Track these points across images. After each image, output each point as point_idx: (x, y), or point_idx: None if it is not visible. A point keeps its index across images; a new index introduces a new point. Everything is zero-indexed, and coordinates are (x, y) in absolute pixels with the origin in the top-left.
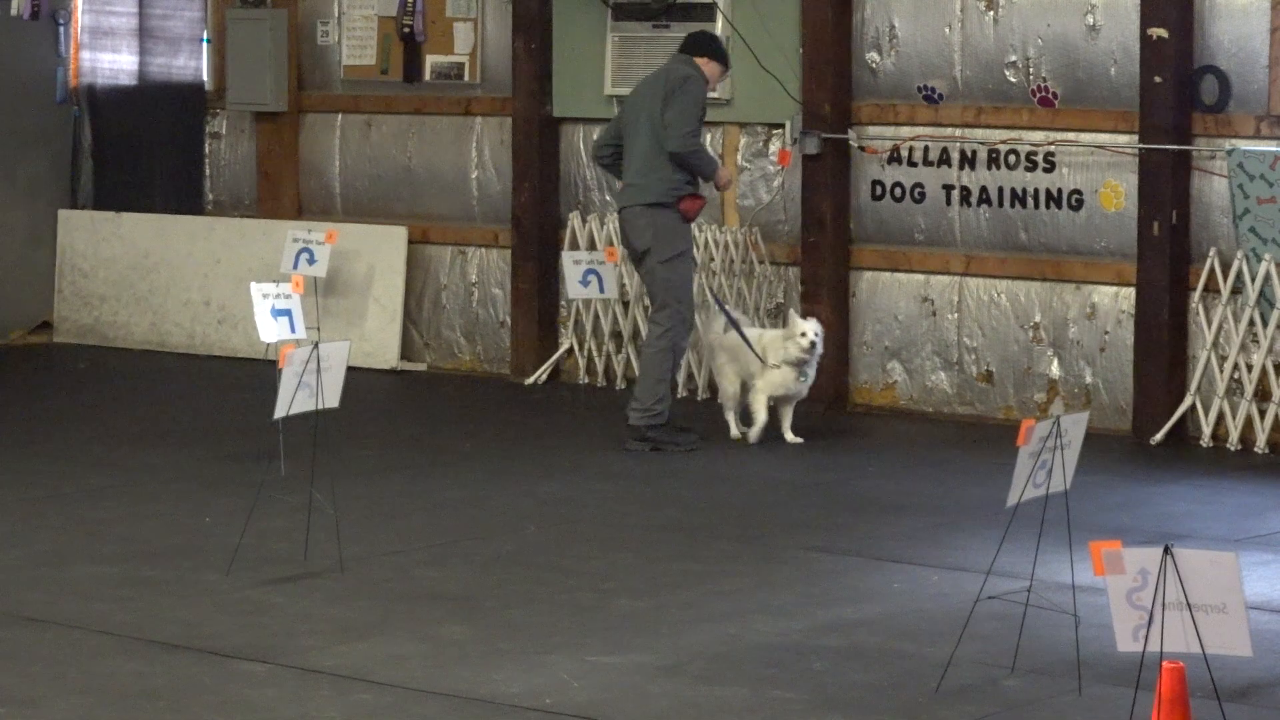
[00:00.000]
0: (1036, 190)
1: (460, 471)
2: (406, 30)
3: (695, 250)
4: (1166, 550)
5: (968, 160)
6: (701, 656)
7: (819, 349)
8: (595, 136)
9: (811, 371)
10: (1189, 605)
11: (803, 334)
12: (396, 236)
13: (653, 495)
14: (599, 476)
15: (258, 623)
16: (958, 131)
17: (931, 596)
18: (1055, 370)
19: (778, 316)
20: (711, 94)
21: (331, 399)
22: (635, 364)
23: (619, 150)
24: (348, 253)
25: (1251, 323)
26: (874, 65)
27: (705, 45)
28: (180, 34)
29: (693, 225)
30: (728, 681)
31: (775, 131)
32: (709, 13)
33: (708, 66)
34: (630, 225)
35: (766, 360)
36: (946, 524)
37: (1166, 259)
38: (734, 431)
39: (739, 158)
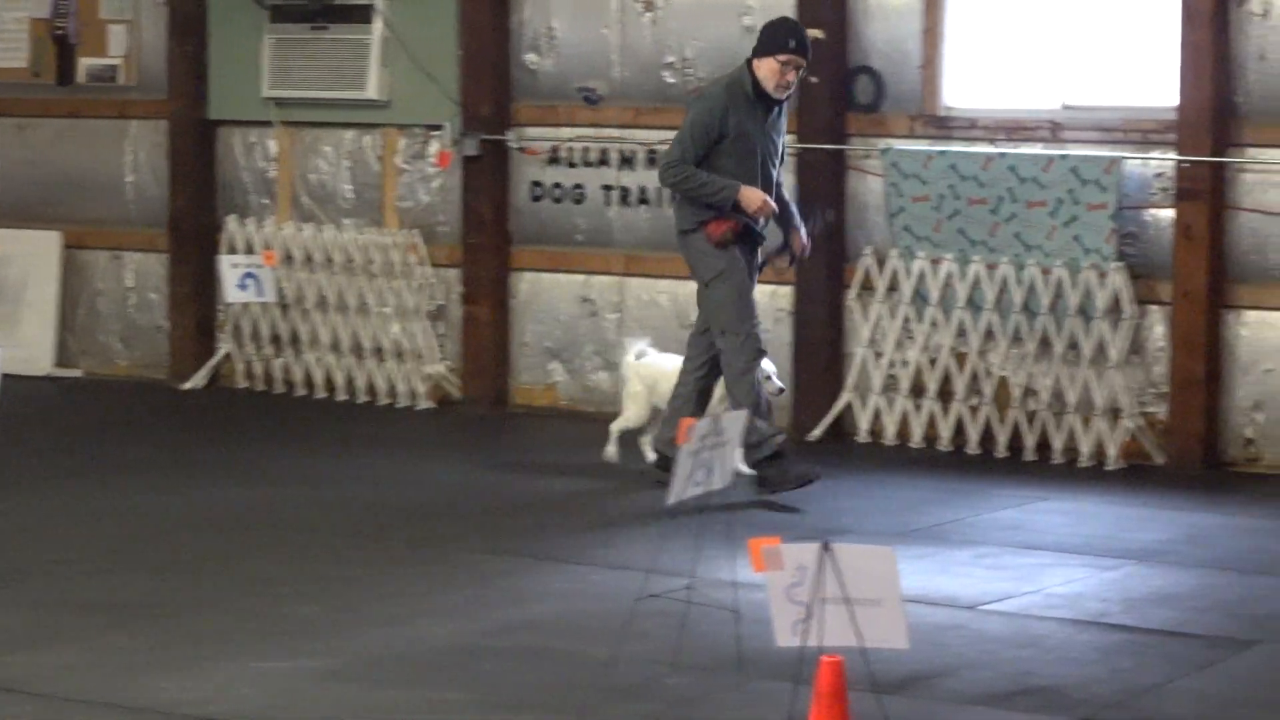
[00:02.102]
0: None
1: (122, 479)
2: (59, 32)
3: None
4: (825, 546)
5: (627, 161)
6: (370, 660)
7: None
8: None
9: None
10: (847, 600)
11: (768, 378)
12: (51, 241)
13: (323, 500)
14: (268, 482)
15: None
16: (617, 132)
17: (595, 596)
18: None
19: (439, 319)
20: (710, 107)
21: None
22: (296, 368)
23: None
24: (1, 258)
25: (906, 319)
26: (533, 66)
27: (758, 42)
28: None
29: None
30: (396, 684)
31: (434, 133)
32: (366, 14)
33: (761, 67)
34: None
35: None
36: (609, 523)
37: (823, 257)
38: (651, 456)
39: (398, 160)
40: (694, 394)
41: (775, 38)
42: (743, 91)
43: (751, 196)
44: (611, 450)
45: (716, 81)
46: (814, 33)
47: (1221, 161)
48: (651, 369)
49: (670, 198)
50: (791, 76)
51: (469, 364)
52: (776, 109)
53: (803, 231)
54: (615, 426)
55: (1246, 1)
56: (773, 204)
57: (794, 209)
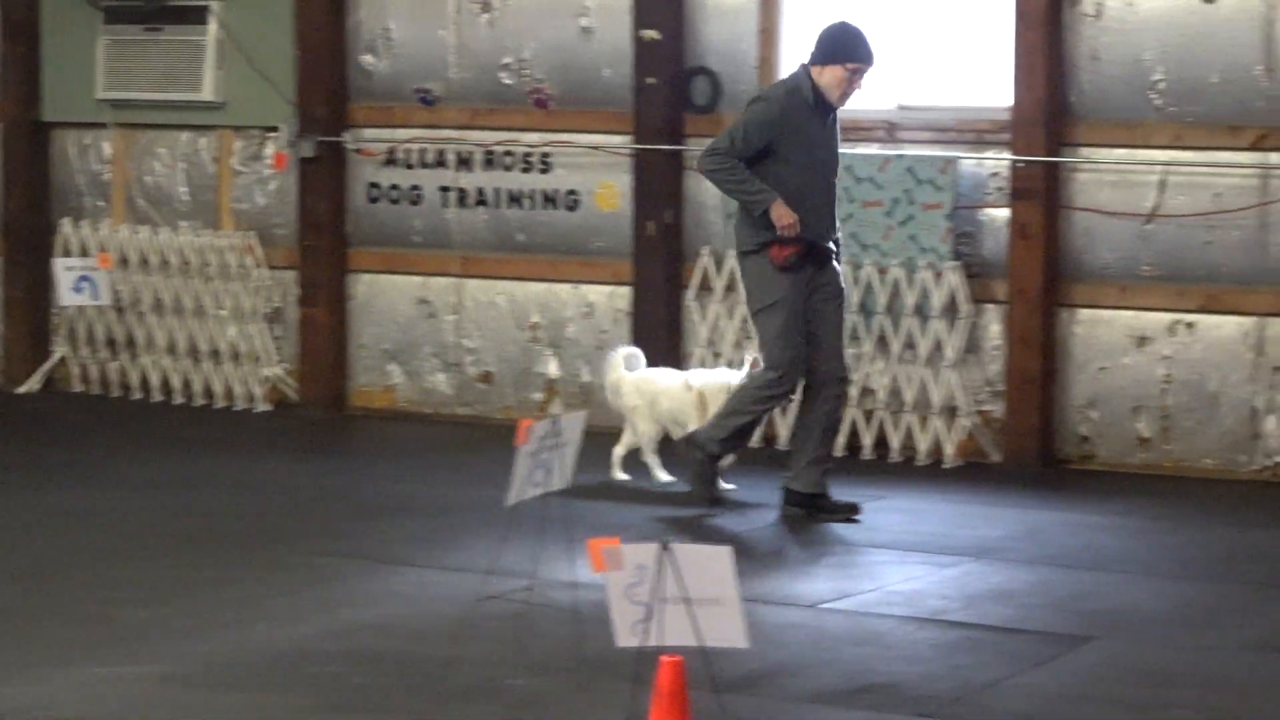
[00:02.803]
0: (533, 191)
1: None
2: None
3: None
4: (664, 546)
5: (464, 162)
6: (209, 664)
7: None
8: None
9: None
10: (687, 599)
11: None
12: None
13: (161, 504)
14: (106, 486)
15: None
16: (454, 133)
17: (435, 598)
18: (554, 370)
19: (276, 321)
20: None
21: None
22: (133, 371)
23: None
24: None
25: (744, 320)
26: (369, 68)
27: (818, 49)
28: None
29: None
30: (235, 689)
31: (270, 135)
32: (201, 15)
33: (824, 75)
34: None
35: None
36: (449, 525)
37: (662, 257)
38: (664, 477)
39: (234, 162)
40: (818, 428)
41: (844, 45)
42: (803, 99)
43: (782, 213)
44: (619, 472)
45: (776, 86)
46: (649, 34)
47: (1056, 161)
48: (650, 384)
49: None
50: (858, 85)
51: (306, 366)
52: (831, 117)
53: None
54: (621, 449)
55: (1079, 2)
56: (797, 226)
57: (838, 223)
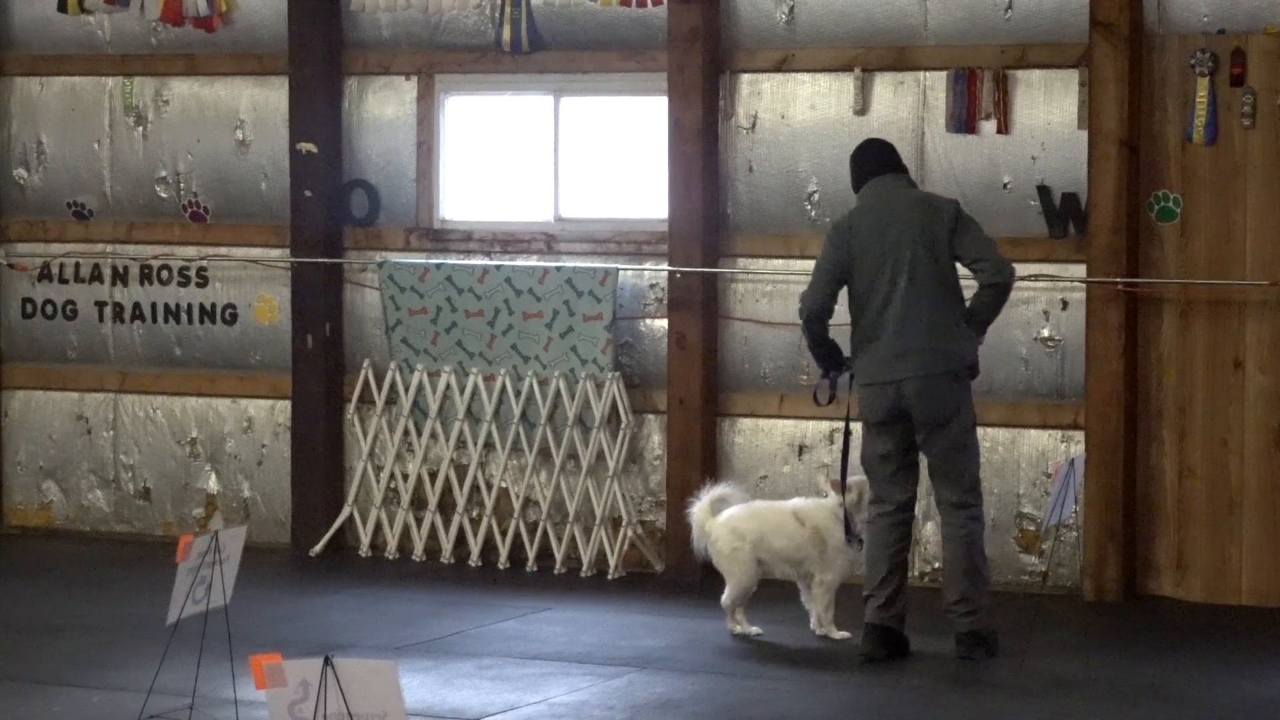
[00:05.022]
0: (190, 305)
1: None
2: None
3: None
4: (326, 661)
5: (120, 276)
6: None
7: None
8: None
9: None
10: (351, 715)
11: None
12: None
13: None
14: None
15: None
16: (110, 247)
17: (93, 718)
18: (214, 485)
19: None
20: None
21: None
22: None
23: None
24: None
25: (406, 432)
26: (22, 182)
27: (853, 173)
28: None
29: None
30: None
31: None
32: None
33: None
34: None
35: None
36: (107, 643)
37: (322, 371)
38: (751, 629)
39: None
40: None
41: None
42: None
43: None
44: (742, 625)
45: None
46: (306, 146)
47: (712, 272)
48: (754, 520)
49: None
50: None
51: None
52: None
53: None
54: (728, 600)
55: (734, 115)
56: None
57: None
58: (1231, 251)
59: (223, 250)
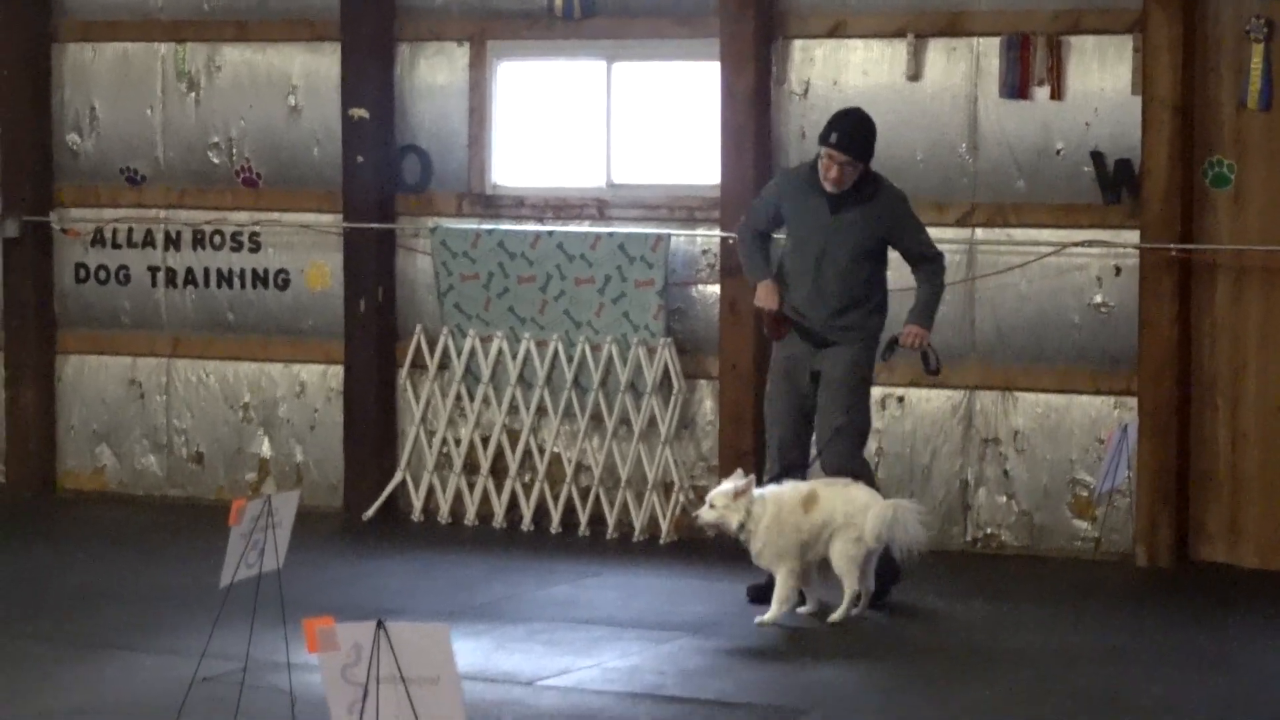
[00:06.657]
0: (243, 270)
1: None
2: None
3: None
4: (379, 624)
5: (172, 241)
6: None
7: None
8: None
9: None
10: (404, 679)
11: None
12: None
13: None
14: None
15: None
16: (161, 213)
17: (147, 682)
18: (266, 449)
19: None
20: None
21: None
22: None
23: None
24: None
25: (459, 397)
26: (75, 147)
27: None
28: None
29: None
30: None
31: None
32: None
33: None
34: None
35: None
36: (160, 608)
37: (373, 336)
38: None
39: None
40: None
41: (824, 128)
42: (800, 179)
43: (757, 293)
44: (808, 605)
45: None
46: (358, 112)
47: None
48: (834, 501)
49: None
50: (834, 172)
51: (13, 448)
52: (849, 200)
53: (917, 328)
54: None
55: (786, 81)
56: (769, 309)
57: (921, 302)
58: None
59: (275, 215)
